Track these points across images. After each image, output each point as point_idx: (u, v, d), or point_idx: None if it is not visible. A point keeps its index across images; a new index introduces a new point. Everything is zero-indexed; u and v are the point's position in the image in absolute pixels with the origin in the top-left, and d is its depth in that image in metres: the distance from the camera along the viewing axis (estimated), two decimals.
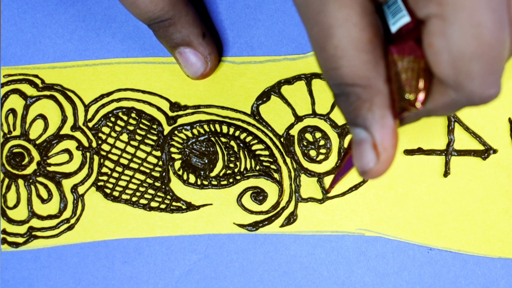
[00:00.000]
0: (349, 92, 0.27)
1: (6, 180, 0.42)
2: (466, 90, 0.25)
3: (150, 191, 0.42)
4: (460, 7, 0.24)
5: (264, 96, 0.41)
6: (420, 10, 0.25)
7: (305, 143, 0.41)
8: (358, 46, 0.26)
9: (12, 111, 0.42)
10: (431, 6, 0.25)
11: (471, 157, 0.40)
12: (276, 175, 0.41)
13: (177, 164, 0.42)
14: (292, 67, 0.41)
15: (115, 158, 0.42)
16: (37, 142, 0.42)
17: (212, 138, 0.41)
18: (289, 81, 0.41)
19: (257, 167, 0.41)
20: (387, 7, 0.27)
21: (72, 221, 0.42)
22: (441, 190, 0.40)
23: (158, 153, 0.42)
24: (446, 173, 0.40)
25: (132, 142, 0.42)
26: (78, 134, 0.42)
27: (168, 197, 0.41)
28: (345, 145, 0.41)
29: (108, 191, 0.42)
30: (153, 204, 0.42)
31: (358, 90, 0.27)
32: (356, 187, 0.41)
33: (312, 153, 0.41)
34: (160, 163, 0.42)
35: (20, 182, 0.42)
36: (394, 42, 0.26)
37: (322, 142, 0.41)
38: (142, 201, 0.42)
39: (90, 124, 0.42)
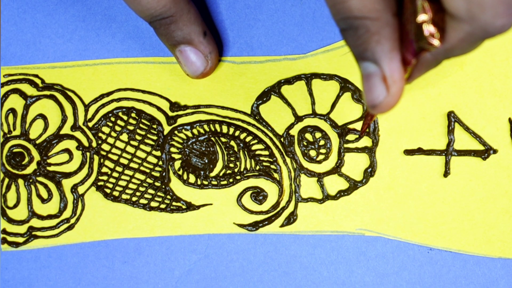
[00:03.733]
0: (357, 26, 0.27)
1: (6, 180, 0.42)
2: (480, 21, 0.26)
3: (150, 191, 0.42)
4: None
5: (264, 96, 0.41)
6: None
7: (305, 143, 0.41)
8: None
9: (12, 111, 0.42)
10: None
11: (471, 157, 0.40)
12: (276, 175, 0.41)
13: (177, 164, 0.41)
14: (292, 67, 0.41)
15: (115, 158, 0.42)
16: (37, 142, 0.42)
17: (212, 138, 0.41)
18: (289, 81, 0.41)
19: (257, 167, 0.41)
20: None
21: (72, 221, 0.42)
22: (441, 190, 0.40)
23: (158, 153, 0.42)
24: (446, 173, 0.40)
25: (132, 142, 0.42)
26: (78, 134, 0.42)
27: (168, 197, 0.41)
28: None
29: (108, 191, 0.42)
30: (153, 204, 0.42)
31: (367, 23, 0.27)
32: (356, 187, 0.41)
33: (312, 153, 0.41)
34: (160, 163, 0.42)
35: (20, 182, 0.42)
36: None
37: (322, 142, 0.41)
38: (142, 201, 0.42)
39: (90, 124, 0.42)
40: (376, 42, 0.27)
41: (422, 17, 0.25)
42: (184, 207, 0.41)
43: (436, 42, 0.25)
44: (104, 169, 0.42)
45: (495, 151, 0.40)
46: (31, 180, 0.42)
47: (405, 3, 0.27)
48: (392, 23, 0.27)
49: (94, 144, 0.42)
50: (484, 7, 0.25)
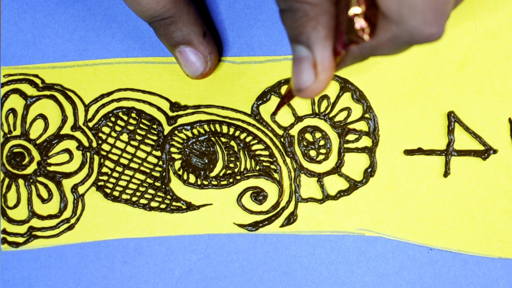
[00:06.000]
0: (297, 8, 0.27)
1: (6, 180, 0.42)
2: (408, 25, 0.26)
3: (150, 191, 0.42)
4: None
5: (264, 96, 0.41)
6: None
7: (305, 143, 0.41)
8: None
9: (12, 111, 0.42)
10: None
11: (471, 157, 0.40)
12: (276, 175, 0.41)
13: (177, 164, 0.42)
14: None
15: (115, 158, 0.42)
16: (37, 142, 0.42)
17: (212, 138, 0.41)
18: (289, 81, 0.41)
19: (257, 167, 0.41)
20: None
21: (72, 221, 0.42)
22: (441, 190, 0.40)
23: (158, 153, 0.42)
24: (446, 173, 0.40)
25: (132, 142, 0.42)
26: (78, 134, 0.42)
27: (168, 197, 0.41)
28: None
29: (108, 191, 0.42)
30: (153, 204, 0.42)
31: (306, 7, 0.27)
32: (356, 187, 0.41)
33: (312, 153, 0.41)
34: (160, 163, 0.42)
35: (20, 182, 0.42)
36: None
37: (322, 142, 0.41)
38: (142, 201, 0.42)
39: (90, 124, 0.42)
40: (312, 28, 0.27)
41: (354, 10, 0.25)
42: (184, 207, 0.41)
43: (365, 36, 0.26)
44: (104, 169, 0.42)
45: (495, 151, 0.40)
46: (31, 180, 0.42)
47: None
48: (330, 12, 0.27)
49: (94, 144, 0.42)
50: (414, 11, 0.25)
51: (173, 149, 0.42)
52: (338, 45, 0.27)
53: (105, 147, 0.42)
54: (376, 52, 0.29)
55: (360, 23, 0.25)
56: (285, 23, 0.28)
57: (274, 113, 0.41)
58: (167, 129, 0.42)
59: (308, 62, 0.28)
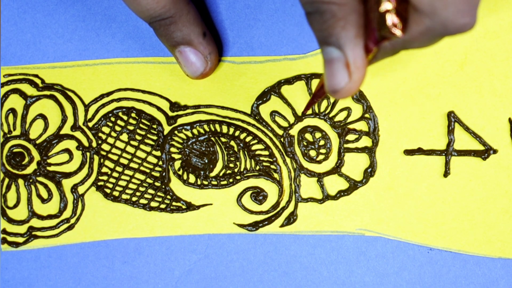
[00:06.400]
0: (324, 10, 0.27)
1: (6, 180, 0.42)
2: (441, 17, 0.26)
3: (150, 191, 0.42)
4: None
5: (264, 96, 0.41)
6: None
7: (305, 143, 0.41)
8: None
9: (12, 111, 0.42)
10: None
11: (471, 157, 0.40)
12: (276, 175, 0.41)
13: (177, 164, 0.42)
14: (292, 67, 0.41)
15: (115, 158, 0.42)
16: (37, 142, 0.42)
17: (212, 138, 0.41)
18: (289, 81, 0.41)
19: (257, 167, 0.41)
20: None
21: (72, 221, 0.42)
22: (441, 190, 0.40)
23: (158, 153, 0.42)
24: (446, 173, 0.40)
25: (132, 142, 0.42)
26: (78, 134, 0.42)
27: (168, 197, 0.41)
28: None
29: (108, 191, 0.42)
30: (153, 204, 0.42)
31: (333, 8, 0.27)
32: (356, 187, 0.41)
33: (312, 153, 0.41)
34: (160, 163, 0.42)
35: (20, 182, 0.42)
36: None
37: (322, 142, 0.41)
38: (142, 201, 0.42)
39: (90, 124, 0.42)
40: (342, 28, 0.27)
41: (386, 6, 0.25)
42: (184, 207, 0.41)
43: (398, 32, 0.25)
44: (104, 169, 0.42)
45: (495, 151, 0.40)
46: (31, 180, 0.42)
47: None
48: (358, 10, 0.27)
49: (94, 144, 0.42)
50: (447, 2, 0.25)
51: (173, 149, 0.42)
52: (369, 43, 0.27)
53: (105, 147, 0.42)
54: (408, 45, 0.28)
55: (392, 18, 0.25)
56: (313, 26, 0.28)
57: (303, 112, 0.41)
58: (167, 129, 0.42)
59: (340, 62, 0.28)
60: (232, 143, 0.41)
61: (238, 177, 0.41)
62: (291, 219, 0.41)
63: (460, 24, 0.26)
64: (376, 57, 0.30)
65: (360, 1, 0.27)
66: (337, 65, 0.28)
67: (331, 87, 0.28)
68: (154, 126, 0.42)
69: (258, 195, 0.41)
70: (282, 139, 0.41)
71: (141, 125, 0.42)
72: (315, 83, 0.41)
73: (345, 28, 0.27)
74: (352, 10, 0.27)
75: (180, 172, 0.41)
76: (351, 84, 0.28)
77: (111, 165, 0.42)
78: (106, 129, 0.42)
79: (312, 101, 0.38)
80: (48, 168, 0.42)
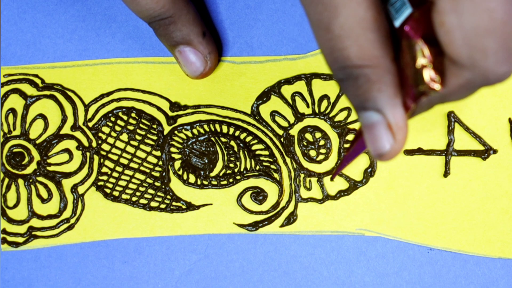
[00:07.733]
0: (357, 75, 0.26)
1: (6, 180, 0.42)
2: (481, 68, 0.25)
3: (150, 191, 0.42)
4: None
5: (264, 96, 0.41)
6: None
7: (305, 143, 0.41)
8: (364, 25, 0.25)
9: (12, 110, 0.42)
10: None
11: (471, 157, 0.40)
12: (276, 175, 0.41)
13: (177, 164, 0.42)
14: (292, 67, 0.41)
15: (115, 158, 0.42)
16: (37, 141, 0.42)
17: (212, 138, 0.41)
18: (289, 81, 0.41)
19: (257, 167, 0.41)
20: (391, 5, 0.27)
21: (72, 221, 0.42)
22: (441, 190, 0.40)
23: (158, 153, 0.42)
24: (446, 173, 0.40)
25: (132, 142, 0.42)
26: (78, 134, 0.42)
27: (168, 197, 0.41)
28: (348, 139, 0.41)
29: (108, 191, 0.42)
30: (153, 204, 0.42)
31: (367, 71, 0.26)
32: (356, 187, 0.41)
33: (312, 153, 0.41)
34: (160, 163, 0.42)
35: (20, 181, 0.42)
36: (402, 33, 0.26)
37: (322, 142, 0.41)
38: (142, 201, 0.42)
39: (90, 124, 0.42)
40: (378, 91, 0.26)
41: (421, 61, 0.25)
42: (184, 207, 0.41)
43: (437, 86, 0.25)
44: (104, 169, 0.42)
45: (495, 151, 0.40)
46: (31, 180, 0.42)
47: (402, 47, 0.26)
48: (391, 69, 0.26)
49: (94, 144, 0.42)
50: (486, 53, 0.24)
51: (173, 149, 0.42)
52: (408, 100, 0.26)
53: (105, 147, 0.42)
54: (446, 99, 0.28)
55: (429, 73, 0.25)
56: (347, 93, 0.27)
57: (332, 179, 0.41)
58: (167, 129, 0.42)
59: (382, 125, 0.27)
60: (232, 143, 0.41)
61: (238, 177, 0.41)
62: (291, 219, 0.41)
63: (501, 73, 0.25)
64: (414, 113, 0.29)
65: (392, 59, 0.26)
66: (379, 129, 0.27)
67: (377, 152, 0.27)
68: (154, 126, 0.42)
69: (258, 195, 0.41)
70: (282, 139, 0.41)
71: (141, 125, 0.42)
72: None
73: (382, 90, 0.26)
74: (385, 70, 0.26)
75: (180, 172, 0.41)
76: (396, 145, 0.27)
77: (111, 165, 0.42)
78: (106, 129, 0.42)
79: (343, 164, 0.37)
80: (48, 168, 0.42)
